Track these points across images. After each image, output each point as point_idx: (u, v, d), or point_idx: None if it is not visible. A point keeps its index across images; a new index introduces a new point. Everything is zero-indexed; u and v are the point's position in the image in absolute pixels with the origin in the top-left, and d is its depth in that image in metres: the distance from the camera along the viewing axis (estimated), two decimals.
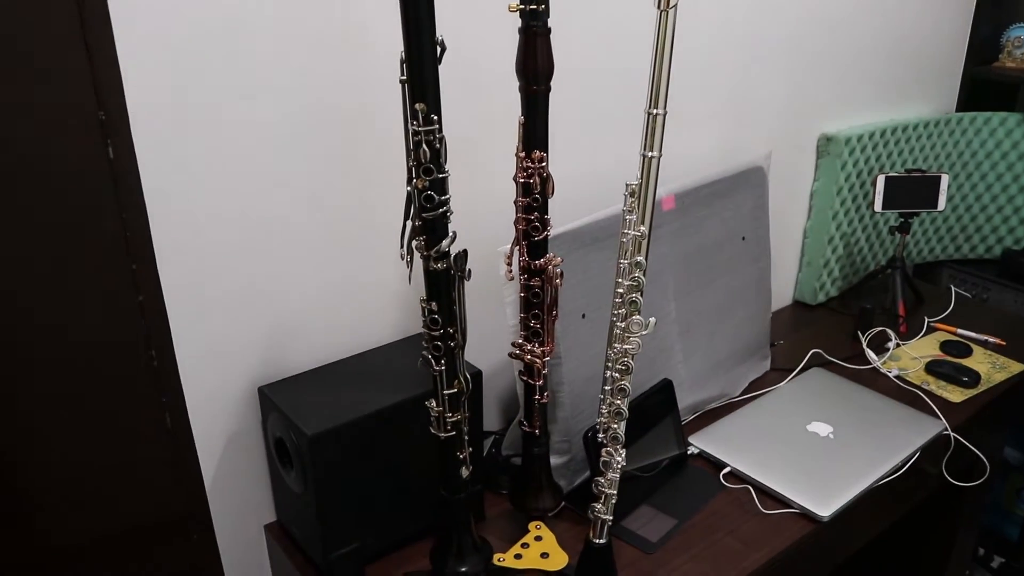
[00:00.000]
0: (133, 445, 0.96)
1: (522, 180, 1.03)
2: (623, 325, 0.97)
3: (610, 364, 0.99)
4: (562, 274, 1.07)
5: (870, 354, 1.66)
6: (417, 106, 0.86)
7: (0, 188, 0.79)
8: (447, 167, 0.90)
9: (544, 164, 1.02)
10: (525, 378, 1.13)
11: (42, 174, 0.80)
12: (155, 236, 0.97)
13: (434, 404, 1.00)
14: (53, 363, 0.87)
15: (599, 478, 1.04)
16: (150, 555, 1.03)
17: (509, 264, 1.08)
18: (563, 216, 1.16)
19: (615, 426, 1.01)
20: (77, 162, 0.82)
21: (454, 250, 0.94)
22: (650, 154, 0.91)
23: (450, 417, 1.00)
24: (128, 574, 1.02)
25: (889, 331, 1.72)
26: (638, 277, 0.95)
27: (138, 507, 0.99)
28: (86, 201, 0.84)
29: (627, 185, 0.93)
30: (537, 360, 1.10)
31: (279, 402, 1.08)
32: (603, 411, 1.01)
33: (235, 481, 1.19)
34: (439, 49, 0.86)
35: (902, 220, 1.80)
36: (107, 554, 0.99)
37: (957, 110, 2.14)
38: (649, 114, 0.89)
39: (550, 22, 0.96)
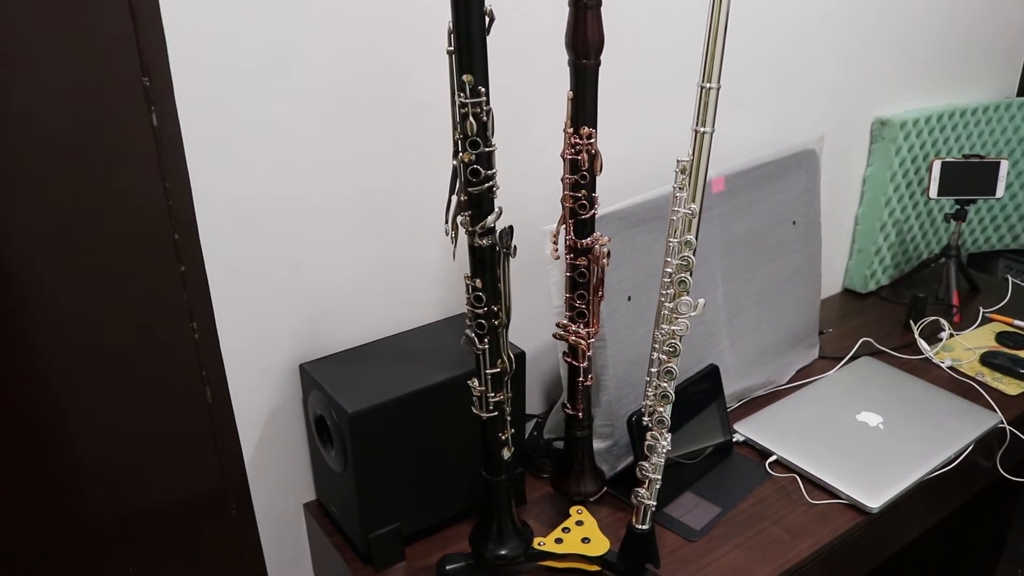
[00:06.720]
0: (173, 417, 0.96)
1: (570, 157, 1.01)
2: (671, 306, 0.95)
3: (657, 346, 0.97)
4: (609, 254, 1.05)
5: (922, 344, 1.61)
6: (464, 78, 0.84)
7: (42, 156, 0.78)
8: (494, 141, 0.88)
9: (592, 140, 0.99)
10: (569, 359, 1.11)
11: (85, 141, 0.80)
12: (197, 207, 0.96)
13: (476, 383, 0.99)
14: (94, 331, 0.87)
15: (643, 463, 1.02)
16: (188, 528, 1.03)
17: (555, 243, 1.06)
18: (611, 197, 1.14)
19: (661, 409, 0.99)
20: (120, 129, 0.81)
21: (500, 226, 0.92)
22: (702, 129, 0.88)
23: (492, 397, 0.99)
24: (166, 546, 1.02)
25: (942, 321, 1.66)
26: (688, 256, 0.92)
27: (177, 480, 0.99)
28: (129, 168, 0.83)
29: (678, 162, 0.91)
30: (582, 341, 1.08)
31: (320, 379, 1.07)
32: (649, 394, 0.99)
33: (275, 458, 1.19)
34: (488, 19, 0.84)
35: (958, 207, 1.75)
36: (146, 526, 0.99)
37: (1018, 95, 2.07)
38: (702, 88, 0.87)
39: None
